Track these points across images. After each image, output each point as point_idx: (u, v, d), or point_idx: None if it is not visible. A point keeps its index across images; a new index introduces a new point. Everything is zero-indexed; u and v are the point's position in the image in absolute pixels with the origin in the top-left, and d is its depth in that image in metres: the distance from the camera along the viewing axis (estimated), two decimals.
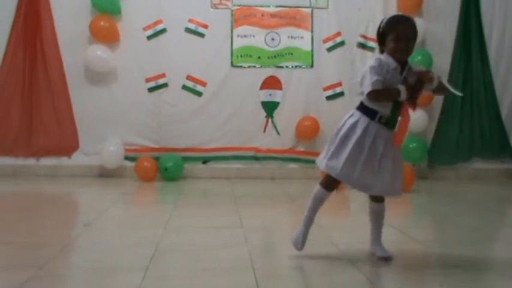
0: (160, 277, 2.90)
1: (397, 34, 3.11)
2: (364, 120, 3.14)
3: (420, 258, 3.43)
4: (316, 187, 3.27)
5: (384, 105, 3.12)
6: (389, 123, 3.14)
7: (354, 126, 3.14)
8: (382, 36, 3.20)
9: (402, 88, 3.06)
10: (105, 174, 6.95)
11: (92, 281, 2.89)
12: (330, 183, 3.23)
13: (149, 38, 7.05)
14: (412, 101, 3.13)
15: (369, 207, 3.34)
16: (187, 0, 7.12)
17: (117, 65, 6.97)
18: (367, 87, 3.07)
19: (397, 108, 3.14)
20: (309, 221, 3.28)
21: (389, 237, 3.92)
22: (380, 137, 3.12)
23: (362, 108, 3.18)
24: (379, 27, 3.22)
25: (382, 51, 3.23)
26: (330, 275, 3.02)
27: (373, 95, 3.08)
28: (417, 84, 3.10)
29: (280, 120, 7.16)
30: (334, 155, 3.16)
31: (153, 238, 3.71)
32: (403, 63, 3.15)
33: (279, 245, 3.92)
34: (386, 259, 3.22)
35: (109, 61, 6.89)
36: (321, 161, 3.23)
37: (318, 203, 3.27)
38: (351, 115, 3.20)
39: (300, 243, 3.26)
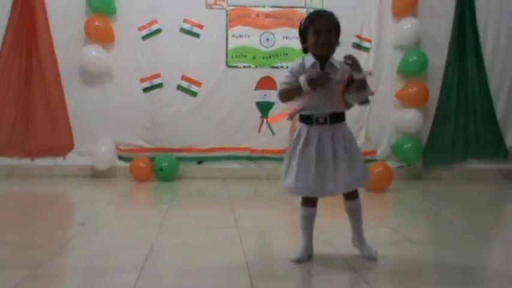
0: (155, 277, 2.90)
1: (316, 27, 3.10)
2: (304, 128, 3.15)
3: (415, 258, 3.44)
4: (299, 208, 3.29)
5: (314, 107, 3.11)
6: (327, 119, 3.12)
7: (297, 139, 3.16)
8: (303, 32, 3.18)
9: (302, 80, 3.03)
10: (100, 174, 6.94)
11: (87, 281, 2.89)
12: (306, 200, 3.25)
13: (144, 38, 7.04)
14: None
15: (344, 206, 3.30)
16: (182, 1, 7.11)
17: (112, 65, 6.96)
18: None
19: None
20: (306, 239, 3.27)
21: (384, 237, 3.94)
22: (325, 135, 3.10)
23: (300, 117, 3.20)
24: (300, 24, 3.21)
25: (304, 49, 3.21)
26: (325, 275, 3.02)
27: (279, 97, 3.18)
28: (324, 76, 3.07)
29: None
30: (286, 173, 3.18)
31: (148, 238, 3.71)
32: (324, 59, 3.14)
33: (274, 245, 3.93)
34: (372, 260, 3.22)
35: (104, 61, 6.88)
36: (281, 184, 3.25)
37: (305, 221, 3.28)
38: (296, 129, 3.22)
39: (298, 254, 3.22)
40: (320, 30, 3.10)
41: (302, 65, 3.15)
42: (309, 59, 3.16)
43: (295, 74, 3.12)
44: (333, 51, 3.17)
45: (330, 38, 3.13)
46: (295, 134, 3.18)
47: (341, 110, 3.18)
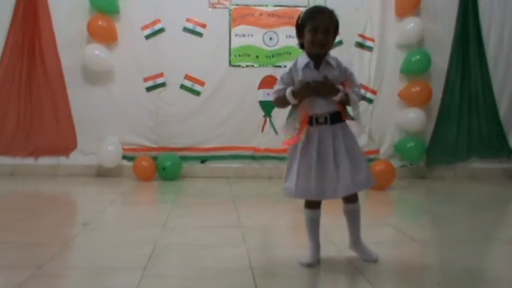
0: (158, 276, 2.90)
1: (314, 24, 3.00)
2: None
3: (418, 258, 3.43)
4: (303, 211, 3.23)
5: (313, 106, 3.03)
6: (327, 119, 3.04)
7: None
8: (300, 27, 3.09)
9: (288, 92, 3.02)
10: (103, 173, 6.95)
11: (90, 280, 2.89)
12: (309, 202, 3.18)
13: (147, 37, 7.05)
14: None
15: (342, 209, 3.24)
16: (185, 0, 7.13)
17: (115, 64, 6.97)
18: None
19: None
20: (313, 243, 3.20)
21: (388, 237, 3.94)
22: (326, 136, 3.03)
23: None
24: (298, 17, 3.11)
25: (301, 45, 3.13)
26: (328, 275, 3.02)
27: (275, 105, 3.20)
28: (310, 87, 3.01)
29: (278, 119, 7.15)
30: (288, 176, 3.11)
31: (151, 237, 3.72)
32: (319, 58, 3.06)
33: (277, 244, 3.93)
34: (372, 262, 3.16)
35: (107, 60, 6.89)
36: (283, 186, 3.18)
37: (310, 224, 3.21)
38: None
39: (309, 258, 3.15)
40: (318, 28, 2.99)
41: (294, 66, 3.09)
42: (303, 59, 3.08)
43: (285, 82, 3.10)
44: (329, 49, 3.08)
45: (327, 37, 3.02)
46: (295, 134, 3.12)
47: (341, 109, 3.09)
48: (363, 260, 3.20)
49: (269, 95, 3.20)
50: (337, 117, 3.07)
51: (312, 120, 3.05)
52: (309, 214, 3.20)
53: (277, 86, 3.13)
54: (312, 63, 3.05)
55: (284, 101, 3.09)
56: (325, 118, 3.04)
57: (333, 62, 3.07)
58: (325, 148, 3.02)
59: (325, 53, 3.07)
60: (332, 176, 3.01)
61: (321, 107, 3.04)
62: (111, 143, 6.90)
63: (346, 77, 3.09)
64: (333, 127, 3.05)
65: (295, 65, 3.10)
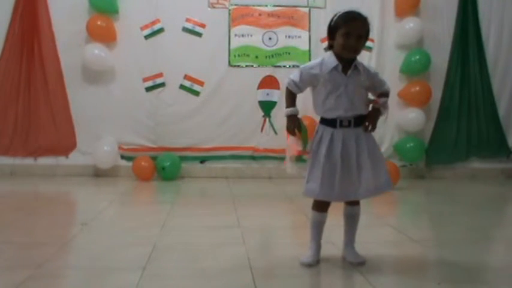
0: (157, 276, 2.90)
1: (347, 29, 3.02)
2: (327, 131, 3.08)
3: (418, 258, 3.43)
4: (311, 212, 3.22)
5: (338, 109, 3.06)
6: (351, 122, 3.07)
7: (319, 142, 3.09)
8: (332, 29, 3.09)
9: (287, 111, 3.14)
10: (102, 173, 6.95)
11: (89, 280, 2.89)
12: (320, 204, 3.17)
13: (147, 37, 7.05)
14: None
15: (343, 210, 3.25)
16: (185, 0, 7.12)
17: (115, 64, 6.97)
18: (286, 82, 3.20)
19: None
20: (315, 243, 3.20)
21: (387, 237, 3.94)
22: (349, 138, 3.05)
23: (322, 120, 3.14)
24: (331, 19, 3.12)
25: (330, 46, 3.13)
26: (327, 274, 3.02)
27: (285, 91, 3.21)
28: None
29: (277, 119, 7.14)
30: (310, 176, 3.10)
31: (150, 238, 3.71)
32: (348, 62, 3.07)
33: (277, 244, 3.92)
34: (358, 264, 3.13)
35: (106, 60, 6.88)
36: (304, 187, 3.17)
37: (316, 227, 3.21)
38: (316, 131, 3.15)
39: (310, 258, 3.14)
40: (351, 33, 3.01)
41: (320, 67, 3.08)
42: (331, 60, 3.07)
43: (303, 80, 3.11)
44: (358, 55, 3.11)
45: (359, 43, 3.05)
46: (317, 136, 3.12)
47: (364, 113, 3.13)
48: (349, 262, 3.17)
49: (290, 80, 3.17)
50: (361, 121, 3.10)
51: (336, 123, 3.08)
52: (317, 217, 3.20)
53: (295, 78, 3.14)
54: (340, 67, 3.06)
55: (286, 102, 3.19)
56: (349, 121, 3.07)
57: (360, 68, 3.09)
58: (349, 150, 3.05)
59: (355, 58, 3.10)
60: (354, 179, 3.04)
61: (346, 110, 3.06)
62: (107, 143, 6.90)
63: (371, 77, 3.14)
64: (356, 130, 3.08)
65: (321, 65, 3.09)
